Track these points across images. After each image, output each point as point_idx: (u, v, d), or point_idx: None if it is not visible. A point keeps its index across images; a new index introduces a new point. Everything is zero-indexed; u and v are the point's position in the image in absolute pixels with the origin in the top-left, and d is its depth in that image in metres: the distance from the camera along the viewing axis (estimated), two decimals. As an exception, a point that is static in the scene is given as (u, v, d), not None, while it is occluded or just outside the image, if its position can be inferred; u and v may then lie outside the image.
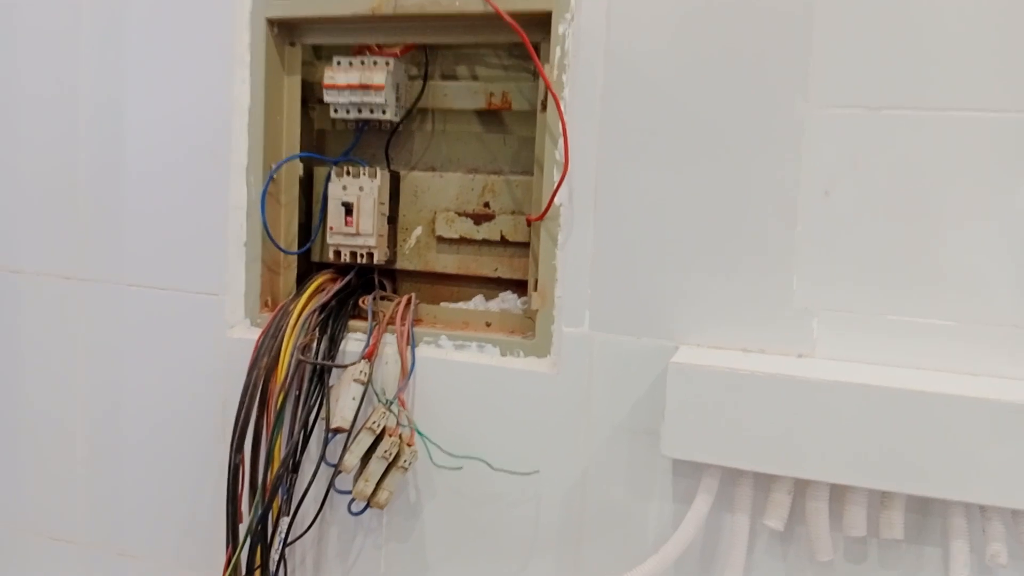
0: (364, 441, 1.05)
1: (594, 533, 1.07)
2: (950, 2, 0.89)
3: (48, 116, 1.30)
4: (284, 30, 1.21)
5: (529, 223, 1.13)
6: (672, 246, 1.01)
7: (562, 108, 1.03)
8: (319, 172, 1.28)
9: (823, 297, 0.96)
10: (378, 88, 1.16)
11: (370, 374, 1.10)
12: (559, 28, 1.04)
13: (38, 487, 1.38)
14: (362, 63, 1.18)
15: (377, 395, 1.11)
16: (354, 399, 1.07)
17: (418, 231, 1.26)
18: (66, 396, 1.34)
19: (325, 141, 1.32)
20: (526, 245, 1.18)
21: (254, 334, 1.18)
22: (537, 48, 1.08)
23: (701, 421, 0.91)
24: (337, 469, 1.05)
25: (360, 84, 1.16)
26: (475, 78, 1.23)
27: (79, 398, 1.33)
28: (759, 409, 0.89)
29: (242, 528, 1.11)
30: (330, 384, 1.12)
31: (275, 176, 1.21)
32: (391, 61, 1.17)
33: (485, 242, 1.22)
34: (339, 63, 1.19)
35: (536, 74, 1.15)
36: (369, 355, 1.11)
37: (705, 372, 0.91)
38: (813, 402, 0.87)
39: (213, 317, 1.24)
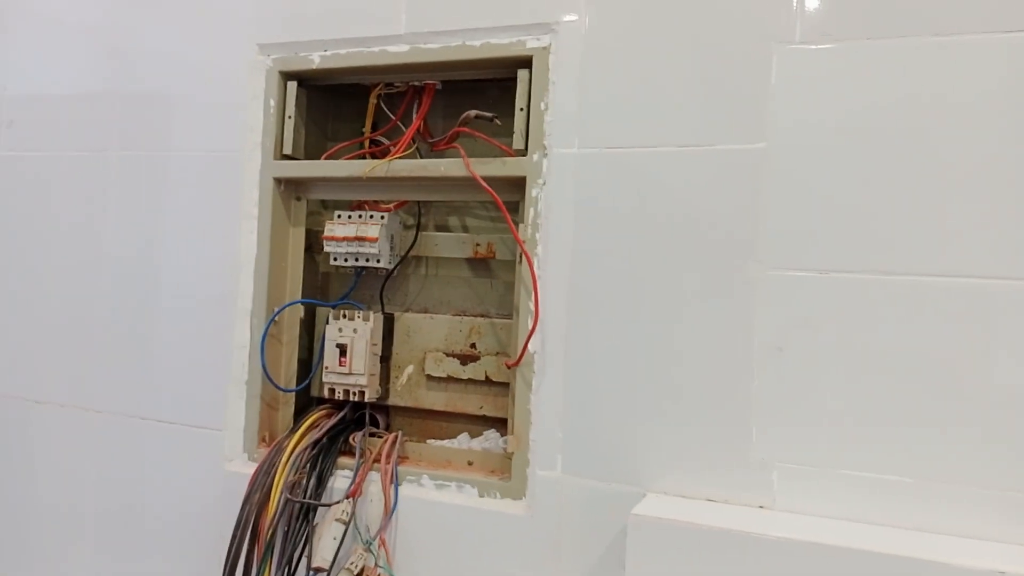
0: (342, 582, 1.09)
1: None
2: (890, 174, 0.96)
3: (76, 266, 1.42)
4: (290, 187, 1.33)
5: (508, 367, 1.19)
6: (638, 395, 1.06)
7: (534, 264, 1.11)
8: (321, 312, 1.37)
9: (781, 450, 0.99)
10: (372, 240, 1.25)
11: (352, 514, 1.14)
12: (532, 191, 1.13)
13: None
14: (359, 217, 1.28)
15: (360, 533, 1.15)
16: (335, 539, 1.11)
17: (410, 369, 1.32)
18: (74, 522, 1.40)
19: (329, 283, 1.42)
20: (508, 385, 1.23)
21: (251, 468, 1.23)
22: (516, 206, 1.17)
23: (661, 573, 0.93)
24: (316, 608, 1.09)
25: (356, 236, 1.26)
26: (465, 229, 1.32)
27: (87, 524, 1.39)
28: (717, 564, 0.91)
29: (226, 664, 1.14)
30: (315, 522, 1.16)
31: (277, 319, 1.30)
32: (385, 216, 1.27)
33: (471, 381, 1.28)
34: (339, 216, 1.30)
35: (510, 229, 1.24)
36: (353, 494, 1.16)
37: (665, 526, 0.94)
38: (769, 560, 0.89)
39: (214, 451, 1.31)
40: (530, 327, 1.12)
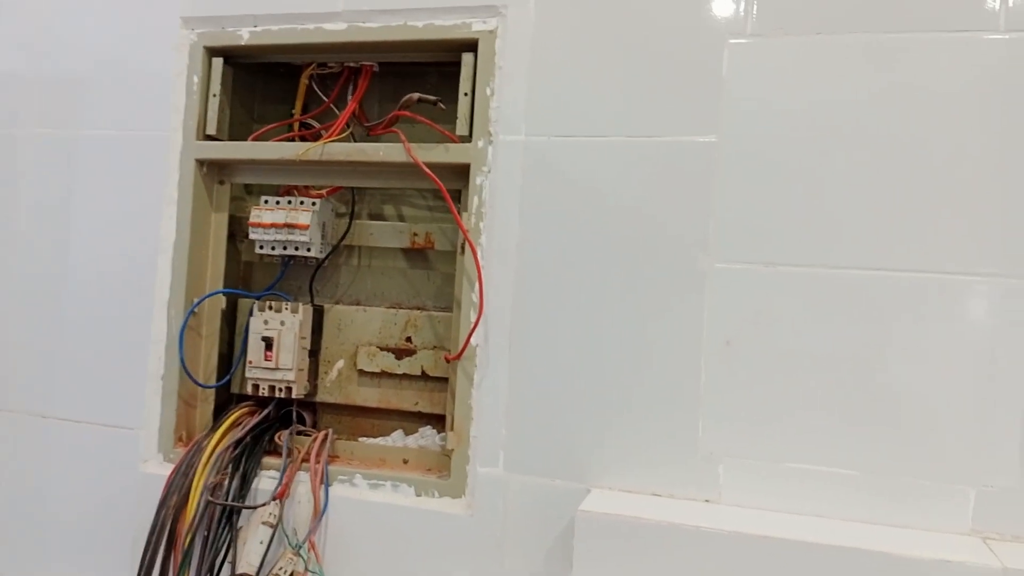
0: (270, 589, 1.02)
1: None
2: (841, 168, 0.97)
3: (9, 251, 1.30)
4: (213, 170, 1.24)
5: (447, 361, 1.14)
6: (584, 390, 1.03)
7: (478, 254, 1.08)
8: (244, 304, 1.29)
9: (727, 443, 0.99)
10: (303, 228, 1.19)
11: (280, 516, 1.08)
12: (476, 179, 1.09)
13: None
14: (289, 203, 1.21)
15: (288, 537, 1.09)
16: (262, 543, 1.05)
17: (340, 364, 1.26)
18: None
19: (252, 273, 1.34)
20: (445, 380, 1.19)
21: (167, 469, 1.15)
22: (457, 194, 1.13)
23: (609, 570, 0.91)
24: (241, 618, 1.01)
25: (285, 223, 1.19)
26: (401, 218, 1.27)
27: (8, 527, 1.27)
28: (665, 559, 0.90)
29: None
30: (239, 526, 1.09)
31: (197, 310, 1.22)
32: (317, 202, 1.21)
33: (406, 376, 1.23)
34: (266, 202, 1.22)
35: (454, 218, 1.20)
36: (280, 495, 1.10)
37: (612, 521, 0.92)
38: (717, 553, 0.88)
39: (127, 451, 1.21)
40: (472, 320, 1.08)
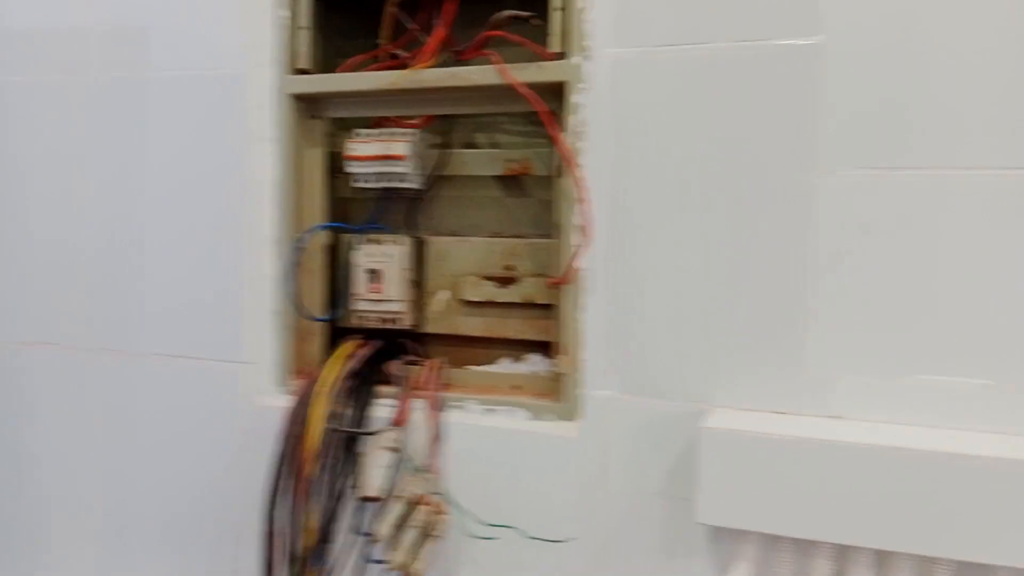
0: (396, 510, 1.06)
1: (630, 598, 1.06)
2: (963, 60, 0.90)
3: (87, 193, 1.34)
4: (308, 105, 1.24)
5: (552, 286, 1.14)
6: (694, 308, 1.01)
7: (579, 175, 1.05)
8: (344, 239, 1.30)
9: (848, 359, 0.96)
10: (400, 159, 1.18)
11: (399, 442, 1.10)
12: (573, 98, 1.06)
13: (55, 562, 1.40)
14: (383, 134, 1.21)
15: (408, 462, 1.12)
16: (385, 467, 1.08)
17: (444, 295, 1.27)
18: (99, 459, 1.36)
19: (349, 209, 1.35)
20: (551, 306, 1.19)
21: (285, 401, 1.19)
22: (553, 116, 1.10)
23: (736, 487, 0.91)
24: (371, 539, 1.06)
25: (383, 155, 1.19)
26: (495, 145, 1.25)
27: (114, 462, 1.35)
28: (796, 474, 0.88)
29: (277, 600, 1.12)
30: (361, 452, 1.13)
31: (302, 246, 1.24)
32: (413, 132, 1.20)
33: (510, 304, 1.23)
34: (359, 135, 1.22)
35: (553, 140, 1.17)
36: (398, 422, 1.12)
37: (739, 437, 0.91)
38: (851, 466, 0.87)
39: (245, 385, 1.26)
40: (575, 243, 1.06)
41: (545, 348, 1.22)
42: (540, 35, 1.10)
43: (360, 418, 1.15)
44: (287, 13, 1.20)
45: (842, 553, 0.91)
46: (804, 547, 0.92)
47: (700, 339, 1.01)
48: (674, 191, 1.02)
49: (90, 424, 1.36)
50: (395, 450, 1.09)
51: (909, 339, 0.93)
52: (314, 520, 1.11)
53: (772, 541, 0.94)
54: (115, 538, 1.36)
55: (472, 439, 1.12)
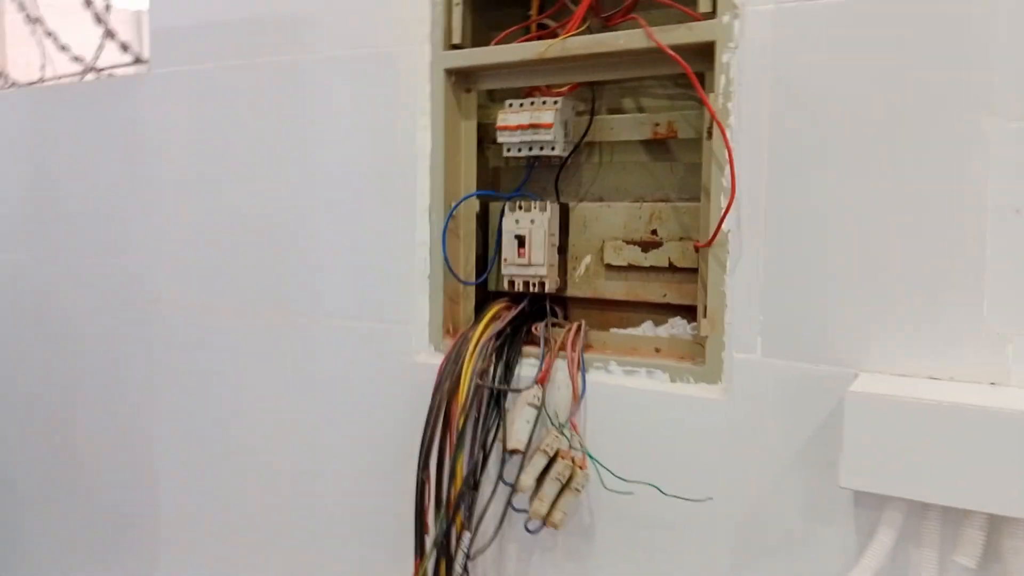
0: (538, 463, 1.10)
1: (770, 562, 1.05)
2: None
3: (260, 170, 1.48)
4: (461, 78, 1.30)
5: (697, 249, 1.14)
6: (849, 269, 0.98)
7: (728, 135, 1.04)
8: (494, 207, 1.36)
9: (1018, 320, 0.89)
10: (546, 127, 1.22)
11: (543, 398, 1.15)
12: (723, 57, 1.05)
13: (254, 498, 1.55)
14: (531, 104, 1.25)
15: (550, 418, 1.16)
16: (528, 422, 1.13)
17: (587, 259, 1.30)
18: (273, 414, 1.50)
19: (500, 177, 1.41)
20: (695, 271, 1.19)
21: (438, 359, 1.26)
22: (701, 78, 1.10)
23: (882, 452, 0.88)
24: (514, 489, 1.11)
25: (530, 124, 1.23)
26: (641, 110, 1.26)
27: (283, 421, 1.49)
28: (946, 441, 0.84)
29: (428, 541, 1.20)
30: (506, 407, 1.18)
31: (454, 213, 1.30)
32: (559, 100, 1.23)
33: (653, 268, 1.24)
34: (511, 105, 1.27)
35: (701, 102, 1.16)
36: (542, 380, 1.17)
37: (886, 402, 0.87)
38: (1005, 434, 0.81)
39: (401, 344, 1.35)
40: (723, 205, 1.06)
41: (688, 312, 1.22)
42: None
43: (506, 375, 1.21)
44: (442, -10, 1.27)
45: (995, 524, 0.86)
46: (954, 516, 0.88)
47: (854, 301, 0.98)
48: (833, 146, 0.98)
49: (273, 381, 1.50)
50: (538, 406, 1.14)
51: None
52: (462, 469, 1.18)
53: (920, 509, 0.90)
54: (299, 477, 1.49)
55: (612, 398, 1.15)
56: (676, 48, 1.06)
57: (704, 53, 1.08)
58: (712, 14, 1.06)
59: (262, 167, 1.47)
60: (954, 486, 0.84)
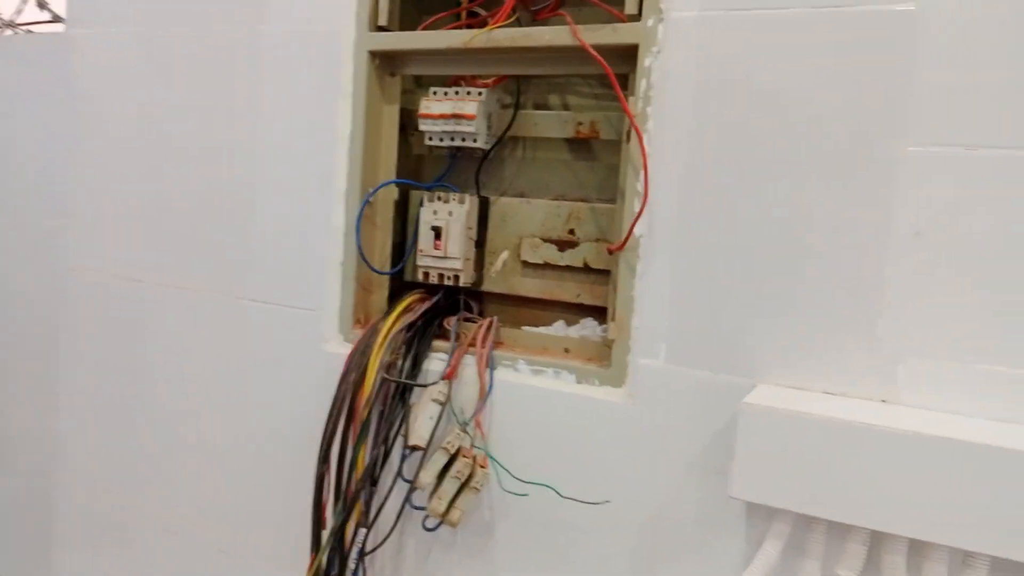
0: (439, 460, 1.08)
1: (664, 567, 1.06)
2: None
3: (184, 140, 1.42)
4: (385, 62, 1.27)
5: (610, 252, 1.13)
6: (755, 281, 0.99)
7: (644, 140, 1.04)
8: (415, 196, 1.33)
9: (911, 342, 0.91)
10: (469, 118, 1.19)
11: (448, 395, 1.13)
12: (645, 61, 1.04)
13: (152, 481, 1.50)
14: (456, 93, 1.22)
15: (455, 415, 1.14)
16: (431, 418, 1.11)
17: (504, 255, 1.28)
18: (178, 394, 1.45)
19: (422, 166, 1.38)
20: (609, 272, 1.18)
21: (346, 349, 1.24)
22: (624, 80, 1.09)
23: (772, 465, 0.89)
24: (413, 485, 1.09)
25: (452, 114, 1.20)
26: (566, 107, 1.25)
27: (190, 402, 1.44)
28: (834, 456, 0.86)
29: (325, 534, 1.17)
30: (412, 402, 1.16)
31: (372, 200, 1.27)
32: (483, 92, 1.21)
33: (568, 268, 1.23)
34: (435, 93, 1.24)
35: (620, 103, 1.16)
36: (449, 376, 1.15)
37: (777, 415, 0.88)
38: (891, 453, 0.83)
39: (311, 331, 1.31)
40: (636, 209, 1.05)
41: (601, 314, 1.21)
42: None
43: (414, 369, 1.19)
44: (371, -31, 1.23)
45: (876, 539, 0.88)
46: (839, 530, 0.90)
47: (757, 313, 0.99)
48: (747, 159, 0.99)
49: (183, 359, 1.45)
50: (443, 403, 1.12)
51: (981, 324, 0.88)
52: (363, 463, 1.15)
53: (806, 521, 0.91)
54: (203, 459, 1.44)
55: (518, 397, 1.14)
56: (600, 48, 1.05)
57: (628, 55, 1.07)
58: (637, 16, 1.05)
59: (186, 137, 1.41)
60: (839, 501, 0.86)
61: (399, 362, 1.19)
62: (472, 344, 1.18)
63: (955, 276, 0.89)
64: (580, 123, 1.21)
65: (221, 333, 1.40)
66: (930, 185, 0.89)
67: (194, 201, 1.41)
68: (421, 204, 1.27)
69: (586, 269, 1.22)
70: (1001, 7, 0.86)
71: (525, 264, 1.26)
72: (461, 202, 1.23)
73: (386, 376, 1.16)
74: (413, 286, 1.32)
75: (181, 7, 1.40)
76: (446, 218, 1.23)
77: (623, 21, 1.08)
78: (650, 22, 1.04)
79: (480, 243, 1.29)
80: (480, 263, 1.29)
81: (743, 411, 0.90)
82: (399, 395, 1.17)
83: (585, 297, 1.23)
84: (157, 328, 1.47)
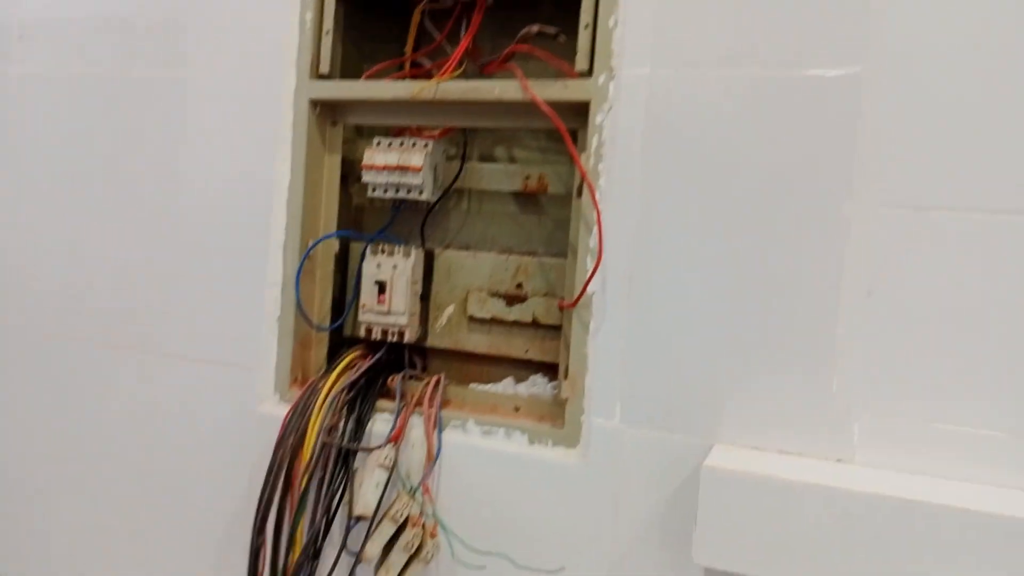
0: (386, 530, 1.03)
1: (621, 637, 1.02)
2: (1000, 104, 0.87)
3: (94, 194, 1.33)
4: (327, 110, 1.23)
5: (561, 308, 1.11)
6: (708, 340, 0.98)
7: (597, 197, 1.03)
8: (355, 248, 1.28)
9: (865, 400, 0.92)
10: (415, 170, 1.16)
11: (395, 460, 1.08)
12: (596, 118, 1.04)
13: (70, 554, 1.38)
14: (401, 144, 1.19)
15: (402, 481, 1.09)
16: (378, 485, 1.05)
17: (450, 310, 1.25)
18: (98, 460, 1.34)
19: (363, 217, 1.33)
20: (558, 328, 1.16)
21: (283, 410, 1.17)
22: (574, 135, 1.08)
23: (735, 529, 0.87)
24: (359, 559, 1.03)
25: (398, 165, 1.17)
26: (512, 160, 1.23)
27: (108, 469, 1.33)
28: (796, 520, 0.85)
29: (260, 613, 1.09)
30: (355, 468, 1.10)
31: (311, 253, 1.22)
32: (429, 143, 1.18)
33: (516, 323, 1.20)
34: (379, 143, 1.20)
35: (572, 158, 1.15)
36: (395, 439, 1.10)
37: (739, 478, 0.87)
38: (852, 515, 0.83)
39: (243, 391, 1.24)
40: (589, 266, 1.04)
41: (550, 370, 1.19)
42: (565, 51, 1.08)
43: (356, 432, 1.13)
44: (313, 16, 1.19)
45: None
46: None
47: (713, 372, 0.98)
48: (700, 218, 0.99)
49: (97, 421, 1.34)
50: (389, 468, 1.07)
51: (934, 383, 0.90)
52: (302, 535, 1.08)
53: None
54: (122, 525, 1.33)
55: (468, 460, 1.09)
56: (551, 104, 1.04)
57: (578, 111, 1.06)
58: (588, 73, 1.05)
59: (112, 184, 1.33)
60: (801, 565, 0.84)
61: (341, 424, 1.13)
62: (419, 404, 1.13)
63: (908, 335, 0.90)
64: (528, 176, 1.20)
65: (145, 393, 1.30)
66: (881, 244, 0.91)
67: (119, 253, 1.32)
68: (363, 256, 1.23)
69: (535, 324, 1.19)
70: (946, 69, 0.88)
71: (472, 319, 1.23)
72: (407, 255, 1.19)
73: (327, 440, 1.10)
74: (353, 341, 1.27)
75: (105, 46, 1.33)
76: (390, 272, 1.19)
77: (572, 77, 1.07)
78: (601, 79, 1.03)
79: (425, 296, 1.25)
80: (425, 317, 1.25)
81: (705, 475, 0.88)
82: (342, 460, 1.11)
83: (534, 353, 1.20)
84: (78, 387, 1.36)
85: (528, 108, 1.07)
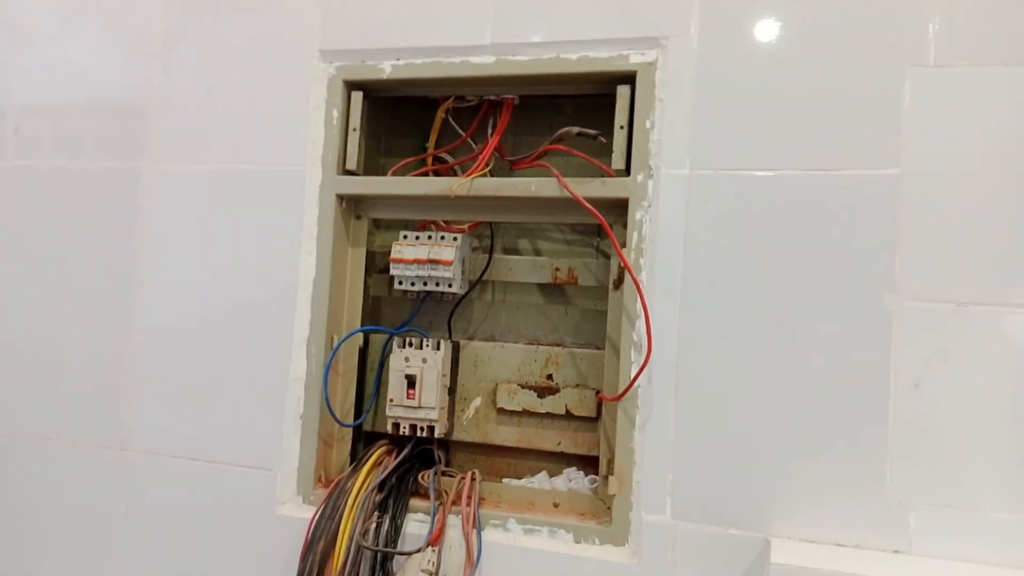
0: (434, 641, 0.98)
1: None
2: (1025, 203, 0.93)
3: (113, 290, 1.28)
4: (351, 205, 1.23)
5: (601, 402, 1.11)
6: (759, 435, 0.99)
7: (642, 290, 1.04)
8: (375, 340, 1.26)
9: (918, 491, 0.94)
10: (446, 264, 1.16)
11: (438, 563, 1.04)
12: (636, 214, 1.06)
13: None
14: (429, 238, 1.19)
15: (444, 585, 1.05)
16: (423, 592, 1.01)
17: (477, 401, 1.23)
18: (108, 562, 1.25)
19: (380, 308, 1.32)
20: (592, 420, 1.15)
21: (306, 512, 1.13)
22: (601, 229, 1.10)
23: (807, 627, 0.87)
24: (405, 672, 0.98)
25: (428, 259, 1.17)
26: (537, 252, 1.24)
27: (119, 565, 1.24)
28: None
29: None
30: (394, 571, 1.06)
31: (336, 348, 1.19)
32: (459, 237, 1.18)
33: (548, 415, 1.19)
34: (405, 237, 1.20)
35: (599, 250, 1.18)
36: (435, 541, 1.06)
37: (810, 575, 0.87)
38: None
39: (263, 493, 1.18)
40: (633, 358, 1.04)
41: (583, 462, 1.18)
42: (594, 149, 1.11)
43: (392, 534, 1.09)
44: (339, 113, 1.20)
45: None
46: None
47: (766, 465, 0.99)
48: (742, 312, 1.01)
49: (104, 528, 1.26)
50: (433, 572, 1.03)
51: (985, 472, 0.92)
52: (339, 646, 1.03)
53: None
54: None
55: (512, 561, 1.06)
56: (589, 200, 1.06)
57: (615, 208, 1.08)
58: (626, 172, 1.08)
59: (117, 279, 1.28)
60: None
61: (374, 526, 1.09)
62: (455, 502, 1.10)
63: (958, 425, 0.93)
64: (557, 268, 1.21)
65: (154, 499, 1.23)
66: (925, 338, 0.94)
67: (135, 350, 1.27)
68: (387, 350, 1.21)
69: (567, 416, 1.18)
70: (980, 168, 0.94)
71: (501, 411, 1.21)
72: (436, 348, 1.18)
73: (364, 543, 1.06)
74: (372, 437, 1.24)
75: (124, 138, 1.30)
76: (420, 365, 1.17)
77: (608, 175, 1.09)
78: (640, 177, 1.06)
79: (451, 389, 1.23)
80: (451, 410, 1.23)
81: (774, 572, 0.88)
82: (379, 565, 1.06)
83: (567, 445, 1.19)
84: (92, 491, 1.27)
85: (562, 204, 1.10)
